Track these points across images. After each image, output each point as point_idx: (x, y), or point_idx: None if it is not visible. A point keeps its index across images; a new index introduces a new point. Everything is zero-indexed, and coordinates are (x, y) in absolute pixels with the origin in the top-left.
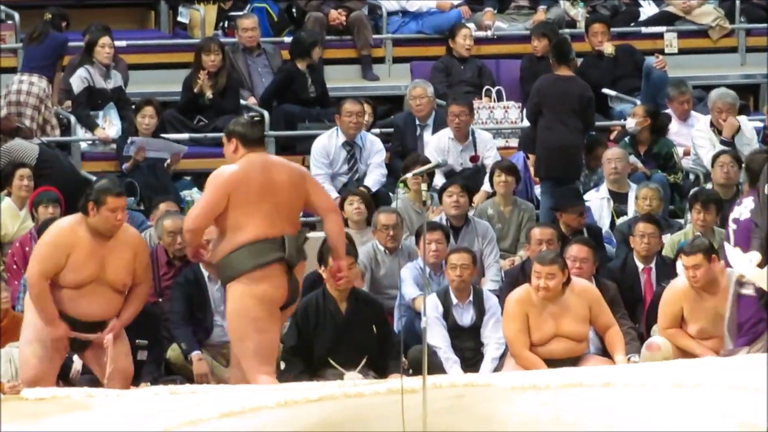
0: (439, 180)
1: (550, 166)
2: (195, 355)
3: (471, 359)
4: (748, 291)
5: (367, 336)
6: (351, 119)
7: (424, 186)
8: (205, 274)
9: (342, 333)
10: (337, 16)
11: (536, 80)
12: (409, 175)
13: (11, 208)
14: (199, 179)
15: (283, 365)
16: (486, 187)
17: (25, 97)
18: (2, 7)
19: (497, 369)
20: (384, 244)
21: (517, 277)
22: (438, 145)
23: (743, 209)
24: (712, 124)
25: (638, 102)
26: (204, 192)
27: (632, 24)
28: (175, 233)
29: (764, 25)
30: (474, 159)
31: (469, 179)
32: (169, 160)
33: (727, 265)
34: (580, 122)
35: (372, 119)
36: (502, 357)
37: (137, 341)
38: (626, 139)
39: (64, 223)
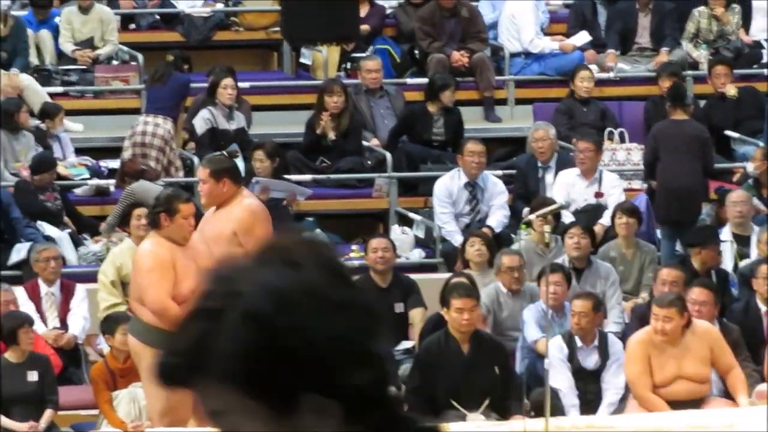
0: (562, 220)
1: (670, 210)
2: None
3: (593, 402)
4: None
5: (489, 377)
6: (473, 159)
7: (547, 228)
8: None
9: (464, 374)
10: (459, 57)
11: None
12: (533, 216)
13: (132, 249)
14: (322, 220)
15: (405, 407)
16: (605, 221)
17: (150, 139)
18: (125, 49)
19: (614, 413)
20: (507, 286)
21: (643, 318)
22: (564, 181)
23: None
24: None
25: (761, 144)
26: None
27: (755, 66)
28: None
29: None
30: (598, 195)
31: (590, 215)
32: (285, 200)
33: None
34: (699, 165)
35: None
36: (624, 399)
37: None
38: (749, 181)
39: (150, 246)
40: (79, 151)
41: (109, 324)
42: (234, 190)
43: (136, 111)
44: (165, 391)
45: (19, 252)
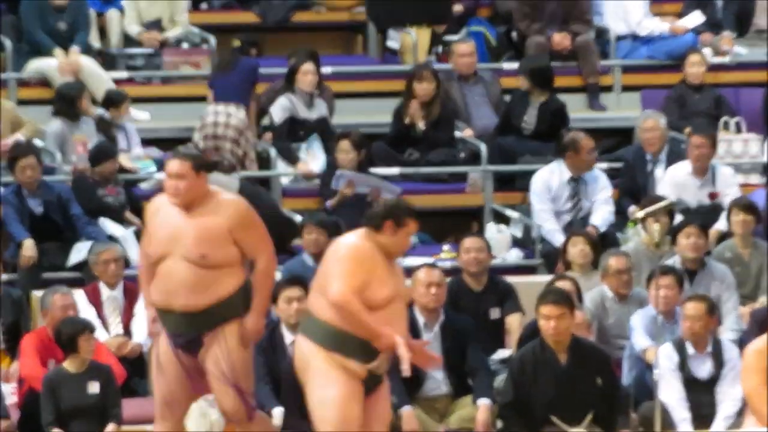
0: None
1: None
2: (406, 410)
3: (707, 416)
4: None
5: (591, 389)
6: (591, 157)
7: (657, 226)
8: (420, 320)
9: (563, 386)
10: (561, 40)
11: None
12: (641, 214)
13: None
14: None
15: (499, 424)
16: (721, 225)
17: (224, 130)
18: (196, 31)
19: (731, 428)
20: (615, 290)
21: (763, 324)
22: (674, 180)
23: None
24: None
25: None
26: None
27: None
28: None
29: None
30: (713, 196)
31: (705, 217)
32: (369, 196)
33: None
34: None
35: None
36: (741, 413)
37: None
38: None
39: (356, 239)
40: (145, 142)
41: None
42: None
43: (207, 99)
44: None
45: (79, 252)
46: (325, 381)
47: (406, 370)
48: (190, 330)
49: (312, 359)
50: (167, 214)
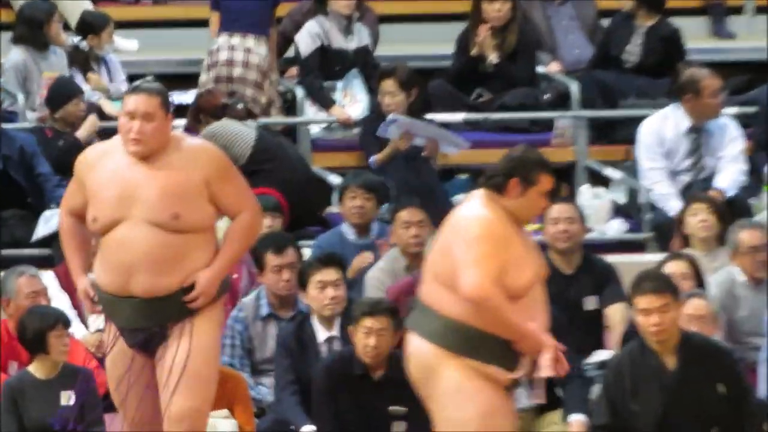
0: None
1: None
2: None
3: None
4: None
5: (711, 400)
6: (716, 100)
7: None
8: None
9: (673, 399)
10: None
11: None
12: None
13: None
14: (479, 177)
15: None
16: None
17: (242, 71)
18: None
19: None
20: (748, 272)
21: None
22: None
23: None
24: None
25: None
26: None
27: None
28: None
29: None
30: None
31: None
32: (425, 150)
33: None
34: None
35: None
36: None
37: (391, 408)
38: None
39: (485, 211)
40: (133, 80)
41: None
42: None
43: (210, 24)
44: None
45: (47, 222)
46: (463, 397)
47: (541, 381)
48: (151, 322)
49: (441, 369)
50: (115, 166)
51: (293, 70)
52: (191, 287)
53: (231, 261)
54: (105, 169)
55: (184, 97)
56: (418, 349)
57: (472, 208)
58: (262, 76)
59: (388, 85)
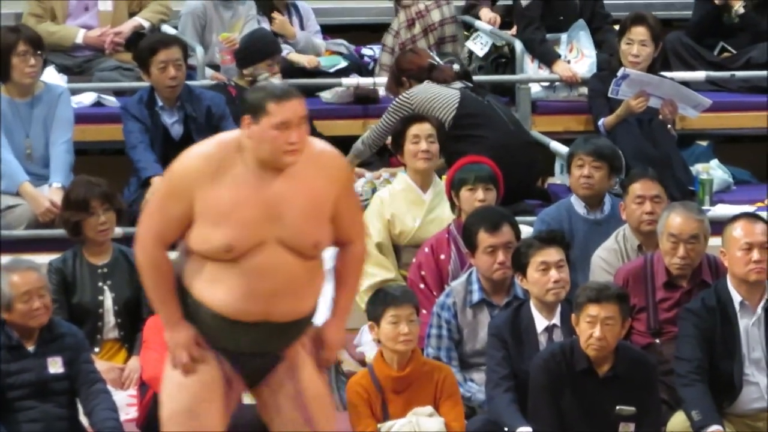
0: None
1: None
2: (713, 430)
3: None
4: None
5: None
6: None
7: None
8: (736, 298)
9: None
10: None
11: None
12: None
13: (409, 189)
14: (722, 146)
15: None
16: None
17: (453, 29)
18: None
19: None
20: None
21: None
22: None
23: None
24: None
25: None
26: None
27: None
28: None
29: None
30: None
31: None
32: (661, 112)
33: None
34: None
35: None
36: None
37: (618, 408)
38: None
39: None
40: (328, 30)
41: (377, 308)
42: None
43: None
44: None
45: None
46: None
47: None
48: (278, 345)
49: None
50: (245, 180)
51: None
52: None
53: (350, 305)
54: (232, 184)
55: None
56: None
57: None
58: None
59: (639, 33)
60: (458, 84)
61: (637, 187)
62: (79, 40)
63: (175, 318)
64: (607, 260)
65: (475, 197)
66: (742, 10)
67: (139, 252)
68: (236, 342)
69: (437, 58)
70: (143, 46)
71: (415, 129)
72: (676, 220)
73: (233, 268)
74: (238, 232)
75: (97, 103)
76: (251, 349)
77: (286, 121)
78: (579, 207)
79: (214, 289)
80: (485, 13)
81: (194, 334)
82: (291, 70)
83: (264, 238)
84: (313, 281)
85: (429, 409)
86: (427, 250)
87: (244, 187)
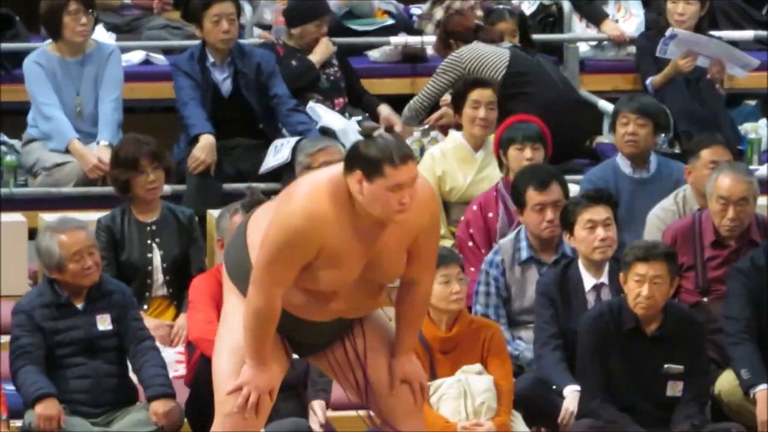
0: None
1: None
2: (762, 391)
3: None
4: None
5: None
6: None
7: None
8: None
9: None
10: None
11: None
12: None
13: (461, 147)
14: None
15: None
16: None
17: None
18: None
19: None
20: None
21: None
22: None
23: None
24: None
25: None
26: None
27: None
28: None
29: None
30: None
31: None
32: (708, 72)
33: None
34: None
35: None
36: None
37: (666, 367)
38: None
39: None
40: None
41: None
42: None
43: None
44: None
45: (278, 152)
46: None
47: None
48: (341, 333)
49: None
50: (355, 227)
51: None
52: None
53: (416, 336)
54: (347, 232)
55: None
56: None
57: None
58: None
59: None
60: (507, 43)
61: (708, 153)
62: None
63: (266, 359)
64: (663, 219)
65: (522, 156)
66: None
67: (260, 300)
68: (297, 333)
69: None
70: (196, 0)
71: (476, 94)
72: (725, 181)
73: (315, 291)
74: (344, 277)
75: (146, 62)
76: (314, 340)
77: (401, 183)
78: (625, 166)
79: (288, 296)
80: None
81: (274, 384)
82: (339, 29)
83: (358, 277)
84: (379, 292)
85: (478, 367)
86: (475, 208)
87: (356, 237)
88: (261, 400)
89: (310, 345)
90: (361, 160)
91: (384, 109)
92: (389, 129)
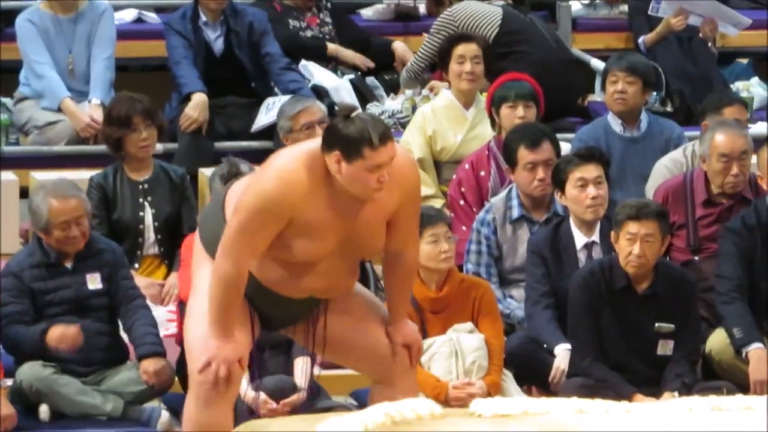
0: None
1: None
2: (755, 349)
3: None
4: None
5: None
6: None
7: None
8: None
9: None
10: None
11: None
12: None
13: (452, 106)
14: (763, 64)
15: None
16: None
17: None
18: None
19: None
20: None
21: None
22: None
23: None
24: None
25: None
26: None
27: None
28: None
29: None
30: None
31: None
32: (701, 30)
33: None
34: None
35: None
36: None
37: (657, 325)
38: None
39: None
40: None
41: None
42: None
43: None
44: None
45: (269, 111)
46: None
47: None
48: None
49: None
50: (331, 202)
51: None
52: None
53: (407, 305)
54: (322, 206)
55: None
56: None
57: None
58: None
59: None
60: (499, 1)
61: (730, 112)
62: None
63: (230, 330)
64: (671, 170)
65: (515, 114)
66: None
67: (229, 266)
68: (270, 310)
69: None
70: None
71: (460, 49)
72: (724, 139)
73: (294, 265)
74: (319, 248)
75: (138, 20)
76: (280, 314)
77: (381, 163)
78: (615, 125)
79: (264, 269)
80: None
81: (242, 352)
82: None
83: (335, 251)
84: (357, 270)
85: (469, 325)
86: (467, 166)
87: (332, 210)
88: (231, 371)
89: (278, 321)
90: (340, 141)
91: (399, 45)
92: (404, 64)
